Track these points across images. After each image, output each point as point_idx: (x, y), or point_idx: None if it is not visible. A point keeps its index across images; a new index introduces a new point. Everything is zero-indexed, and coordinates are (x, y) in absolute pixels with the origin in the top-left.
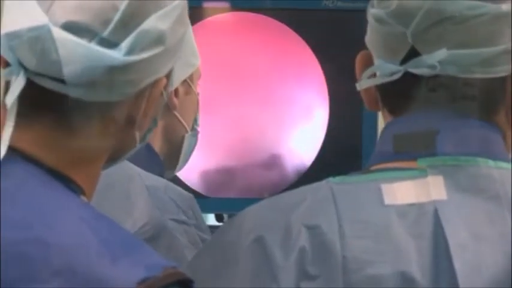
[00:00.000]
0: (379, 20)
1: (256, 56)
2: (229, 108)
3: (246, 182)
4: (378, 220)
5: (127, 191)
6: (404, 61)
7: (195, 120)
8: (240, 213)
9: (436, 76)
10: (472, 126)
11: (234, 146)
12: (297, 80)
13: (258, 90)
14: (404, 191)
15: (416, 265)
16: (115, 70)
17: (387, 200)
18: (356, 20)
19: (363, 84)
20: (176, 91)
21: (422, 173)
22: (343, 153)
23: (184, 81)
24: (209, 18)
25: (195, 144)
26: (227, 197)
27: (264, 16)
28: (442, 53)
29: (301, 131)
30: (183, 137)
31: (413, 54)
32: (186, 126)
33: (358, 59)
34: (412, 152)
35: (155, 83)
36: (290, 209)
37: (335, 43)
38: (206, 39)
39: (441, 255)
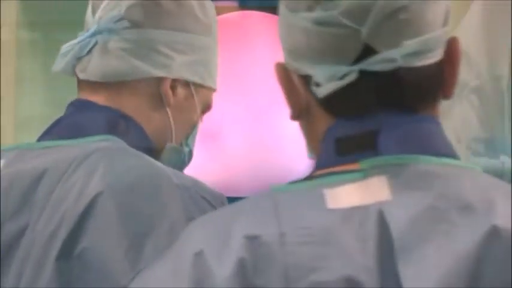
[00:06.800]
0: (324, 23)
1: (264, 55)
2: (235, 108)
3: (249, 182)
4: (321, 225)
5: (158, 189)
6: (356, 61)
7: (186, 139)
8: (188, 226)
9: (386, 72)
10: (414, 121)
11: (239, 148)
12: None
13: (264, 89)
14: (347, 194)
15: (362, 268)
16: None
17: (330, 204)
18: None
19: (327, 88)
20: (174, 86)
21: (365, 175)
22: None
23: (188, 85)
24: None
25: (178, 161)
26: (231, 196)
27: (272, 15)
28: (413, 44)
29: None
30: (164, 146)
31: (366, 52)
32: (173, 133)
33: (279, 72)
34: (354, 154)
35: None
36: (230, 220)
37: None
38: None
39: (387, 257)
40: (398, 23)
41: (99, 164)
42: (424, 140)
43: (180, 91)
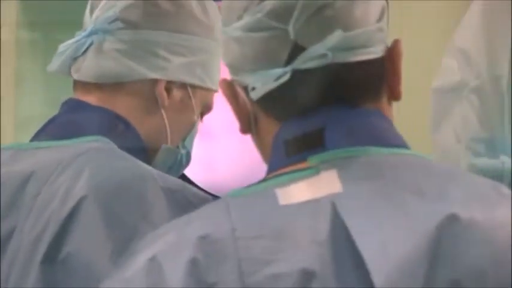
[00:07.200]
0: (252, 28)
1: None
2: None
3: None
4: (274, 220)
5: (142, 192)
6: (288, 62)
7: (183, 141)
8: (145, 235)
9: (321, 69)
10: (359, 115)
11: (232, 149)
12: None
13: None
14: (299, 191)
15: (317, 258)
16: None
17: (282, 201)
18: None
19: (258, 93)
20: (169, 88)
21: (315, 171)
22: None
23: (185, 87)
24: None
25: (173, 162)
26: None
27: None
28: (335, 37)
29: None
30: (159, 147)
31: (297, 51)
32: (168, 135)
33: (224, 88)
34: (303, 153)
35: None
36: (184, 225)
37: None
38: None
39: (342, 244)
40: (324, 20)
41: (86, 166)
42: (372, 132)
43: (176, 93)
